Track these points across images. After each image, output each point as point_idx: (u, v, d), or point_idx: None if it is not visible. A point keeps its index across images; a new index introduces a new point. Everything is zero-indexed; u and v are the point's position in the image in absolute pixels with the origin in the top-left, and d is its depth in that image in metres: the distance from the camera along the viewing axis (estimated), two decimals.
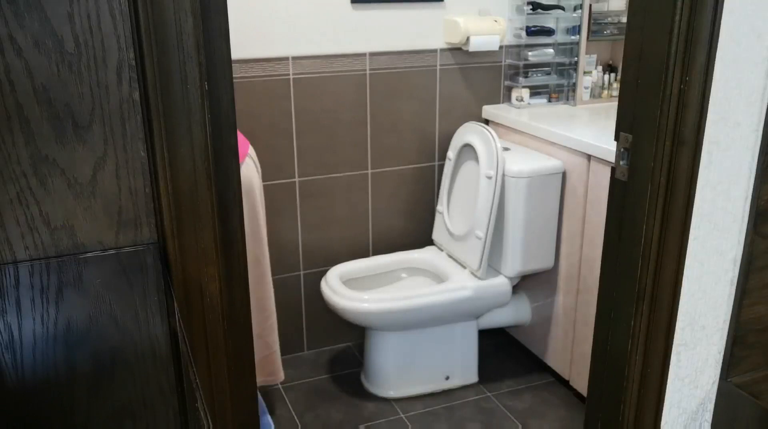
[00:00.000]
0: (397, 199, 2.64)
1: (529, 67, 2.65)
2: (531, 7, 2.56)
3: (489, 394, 2.43)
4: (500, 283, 2.34)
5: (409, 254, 2.56)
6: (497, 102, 2.68)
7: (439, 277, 2.45)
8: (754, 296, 1.31)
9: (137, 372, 1.02)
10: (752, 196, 1.23)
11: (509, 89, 2.66)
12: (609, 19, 2.61)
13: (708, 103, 1.15)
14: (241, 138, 1.73)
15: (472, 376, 2.49)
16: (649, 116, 1.20)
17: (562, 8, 2.60)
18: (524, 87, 2.62)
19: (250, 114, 2.31)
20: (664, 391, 1.33)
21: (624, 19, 2.59)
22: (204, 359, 1.13)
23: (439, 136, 2.62)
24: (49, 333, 0.99)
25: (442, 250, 2.55)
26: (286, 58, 2.33)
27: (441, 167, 2.65)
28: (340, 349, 2.73)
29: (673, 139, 1.19)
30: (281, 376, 2.01)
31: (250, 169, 1.74)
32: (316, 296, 2.42)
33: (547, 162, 2.26)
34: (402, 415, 2.32)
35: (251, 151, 1.82)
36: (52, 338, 1.00)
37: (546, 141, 2.32)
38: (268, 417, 2.07)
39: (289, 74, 2.35)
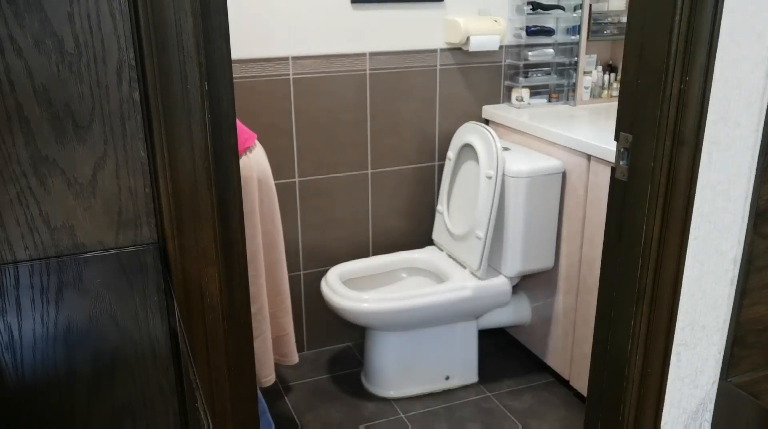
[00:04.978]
0: (397, 199, 2.64)
1: (529, 67, 2.65)
2: (531, 7, 2.55)
3: (489, 394, 2.43)
4: (500, 283, 2.34)
5: (409, 254, 2.56)
6: (497, 102, 2.68)
7: (439, 277, 2.45)
8: (754, 296, 1.32)
9: (137, 372, 1.02)
10: (752, 196, 1.23)
11: (509, 89, 2.66)
12: (609, 19, 2.61)
13: (708, 103, 1.15)
14: (247, 131, 1.74)
15: (472, 376, 2.49)
16: (649, 116, 1.20)
17: (562, 8, 2.60)
18: (524, 87, 2.62)
19: (250, 114, 2.31)
20: (664, 391, 1.33)
21: (624, 19, 2.59)
22: (204, 359, 1.13)
23: (439, 136, 2.62)
24: (49, 333, 0.99)
25: (442, 250, 2.55)
26: (286, 58, 2.33)
27: (441, 167, 2.65)
28: (340, 349, 2.73)
29: (673, 139, 1.19)
30: (295, 358, 2.00)
31: (261, 155, 1.75)
32: (316, 296, 2.42)
33: (547, 162, 2.26)
34: (402, 415, 2.32)
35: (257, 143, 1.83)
36: (52, 338, 1.00)
37: (546, 141, 2.32)
38: (269, 417, 2.07)
39: (289, 74, 2.35)
